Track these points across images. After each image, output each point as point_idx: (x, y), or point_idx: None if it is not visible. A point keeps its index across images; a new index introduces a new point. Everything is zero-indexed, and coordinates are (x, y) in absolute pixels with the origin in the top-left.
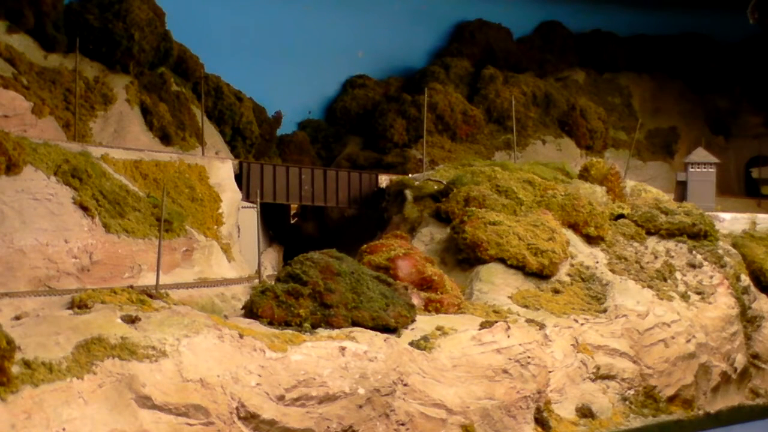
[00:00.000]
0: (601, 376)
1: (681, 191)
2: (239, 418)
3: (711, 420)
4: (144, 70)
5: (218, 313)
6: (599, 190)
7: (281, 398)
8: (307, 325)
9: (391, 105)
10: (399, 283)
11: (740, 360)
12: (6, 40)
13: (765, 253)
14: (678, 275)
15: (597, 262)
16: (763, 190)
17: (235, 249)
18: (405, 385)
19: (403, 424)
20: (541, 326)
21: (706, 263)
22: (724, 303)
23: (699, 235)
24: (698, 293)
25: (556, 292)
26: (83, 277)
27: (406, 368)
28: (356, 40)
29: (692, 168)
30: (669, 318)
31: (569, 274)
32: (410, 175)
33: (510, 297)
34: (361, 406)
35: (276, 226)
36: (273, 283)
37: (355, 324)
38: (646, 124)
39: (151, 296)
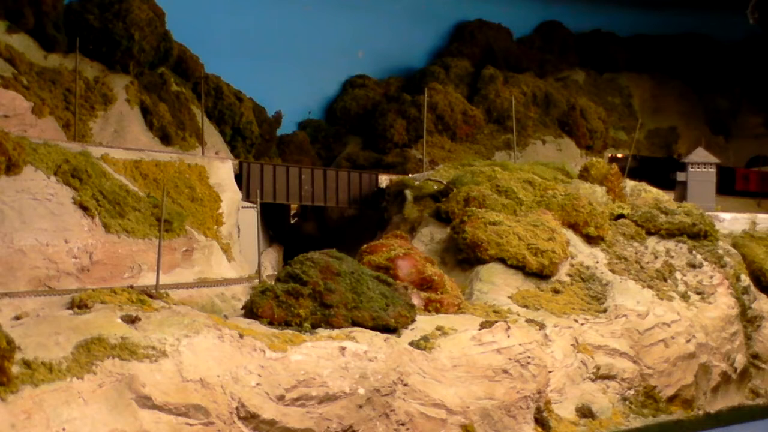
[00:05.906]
0: (601, 376)
1: (681, 191)
2: (239, 418)
3: (711, 420)
4: (144, 70)
5: (218, 313)
6: (599, 190)
7: (281, 398)
8: (307, 325)
9: (391, 105)
10: (399, 283)
11: (740, 360)
12: (6, 40)
13: (765, 253)
14: (678, 275)
15: (597, 262)
16: None
17: (235, 249)
18: (405, 385)
19: (403, 424)
20: (541, 326)
21: (706, 263)
22: (724, 303)
23: (699, 235)
24: (698, 293)
25: (556, 292)
26: (83, 277)
27: (406, 368)
28: (356, 40)
29: (692, 168)
30: (669, 318)
31: (569, 274)
32: (410, 175)
33: (510, 297)
34: (361, 406)
35: (276, 226)
36: (273, 283)
37: (355, 324)
38: (646, 124)
39: (151, 296)
